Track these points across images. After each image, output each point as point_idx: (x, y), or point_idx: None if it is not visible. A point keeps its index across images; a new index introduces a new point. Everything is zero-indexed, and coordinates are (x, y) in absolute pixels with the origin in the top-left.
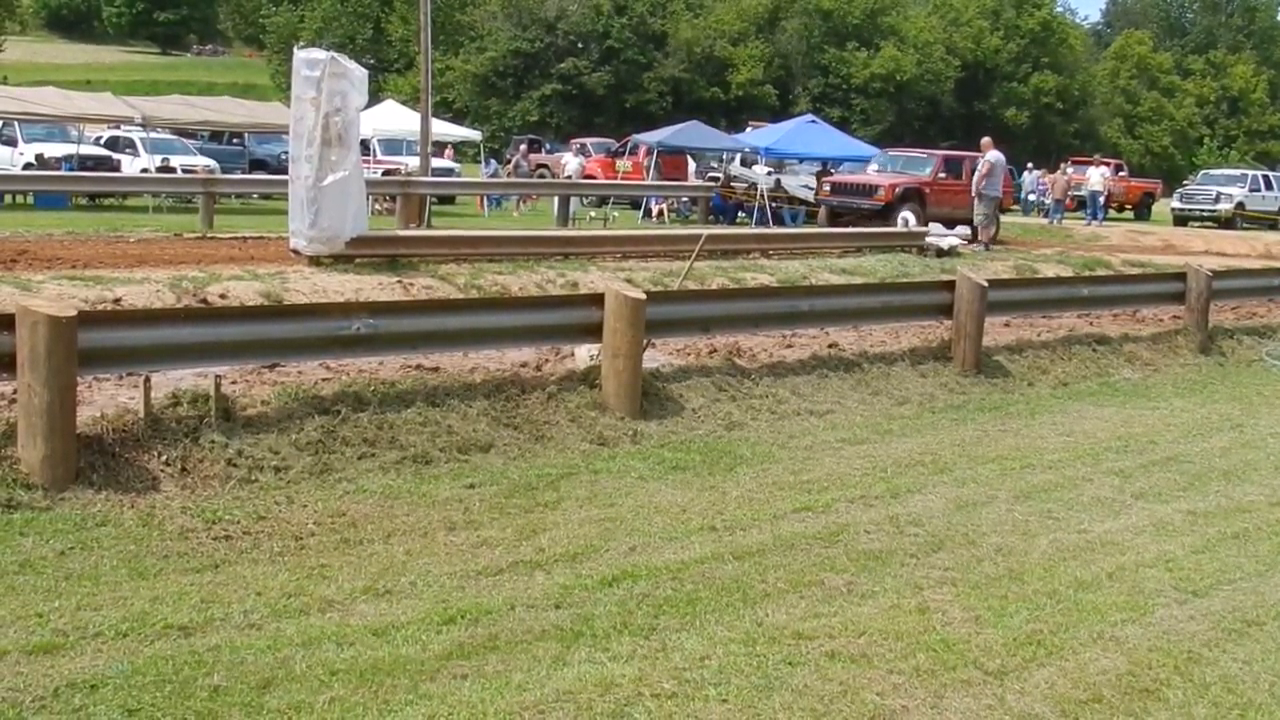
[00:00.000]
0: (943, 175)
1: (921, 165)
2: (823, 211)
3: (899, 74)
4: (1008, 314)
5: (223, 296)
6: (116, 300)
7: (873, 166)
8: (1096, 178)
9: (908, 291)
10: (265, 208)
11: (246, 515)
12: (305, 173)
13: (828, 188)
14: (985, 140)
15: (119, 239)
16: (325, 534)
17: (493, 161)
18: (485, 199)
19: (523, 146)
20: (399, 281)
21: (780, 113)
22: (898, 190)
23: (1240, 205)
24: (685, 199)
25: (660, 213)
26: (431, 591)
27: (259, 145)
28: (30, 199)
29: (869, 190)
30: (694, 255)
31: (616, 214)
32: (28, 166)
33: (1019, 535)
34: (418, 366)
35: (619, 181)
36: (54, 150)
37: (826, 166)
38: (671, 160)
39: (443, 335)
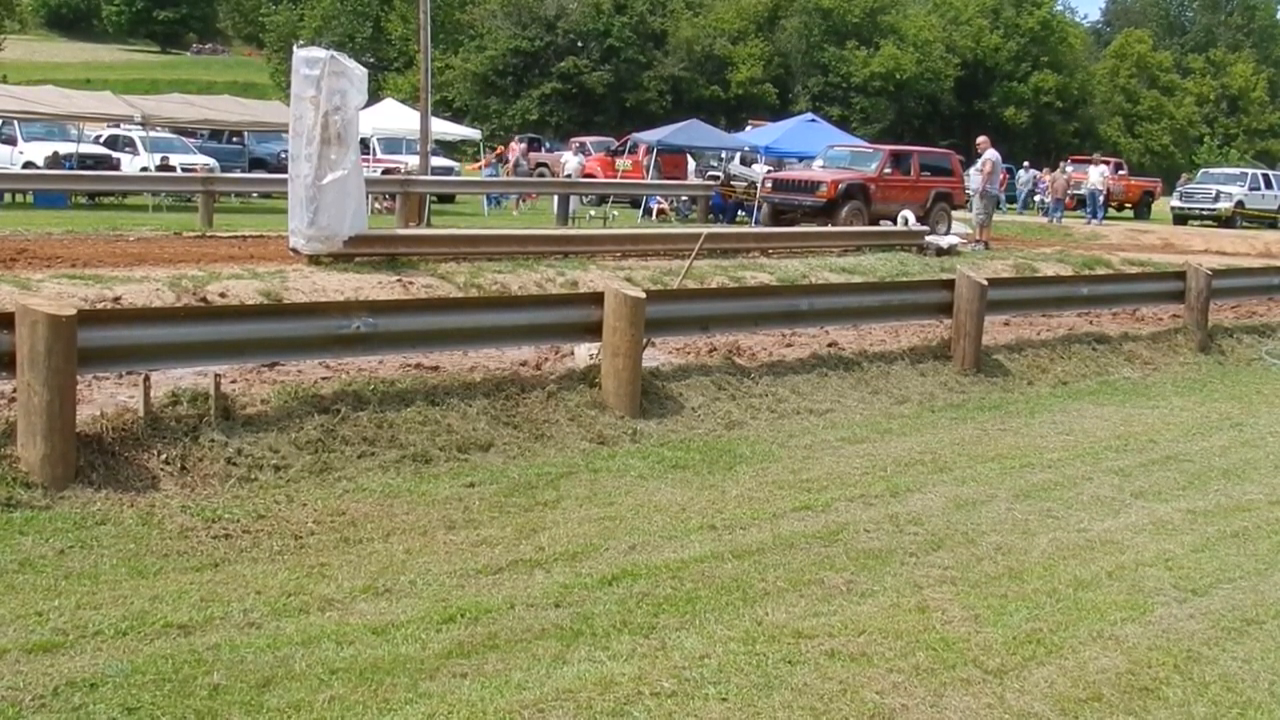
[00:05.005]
0: (889, 171)
1: (867, 161)
2: (765, 209)
3: (899, 73)
4: (1007, 313)
5: (222, 295)
6: (116, 299)
7: (818, 162)
8: (1096, 176)
9: (907, 290)
10: (265, 206)
11: (246, 514)
12: (304, 171)
13: (770, 185)
14: (982, 139)
15: (118, 238)
16: (325, 533)
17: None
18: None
19: (522, 145)
20: (398, 280)
21: (780, 111)
22: (841, 187)
23: (1240, 204)
24: (685, 198)
25: (660, 211)
26: (431, 590)
27: (258, 144)
28: (29, 197)
29: (811, 186)
30: (693, 254)
31: (616, 213)
32: (27, 165)
33: (1019, 534)
34: (417, 365)
35: (618, 180)
36: (62, 149)
37: None
38: (671, 159)
39: (442, 334)
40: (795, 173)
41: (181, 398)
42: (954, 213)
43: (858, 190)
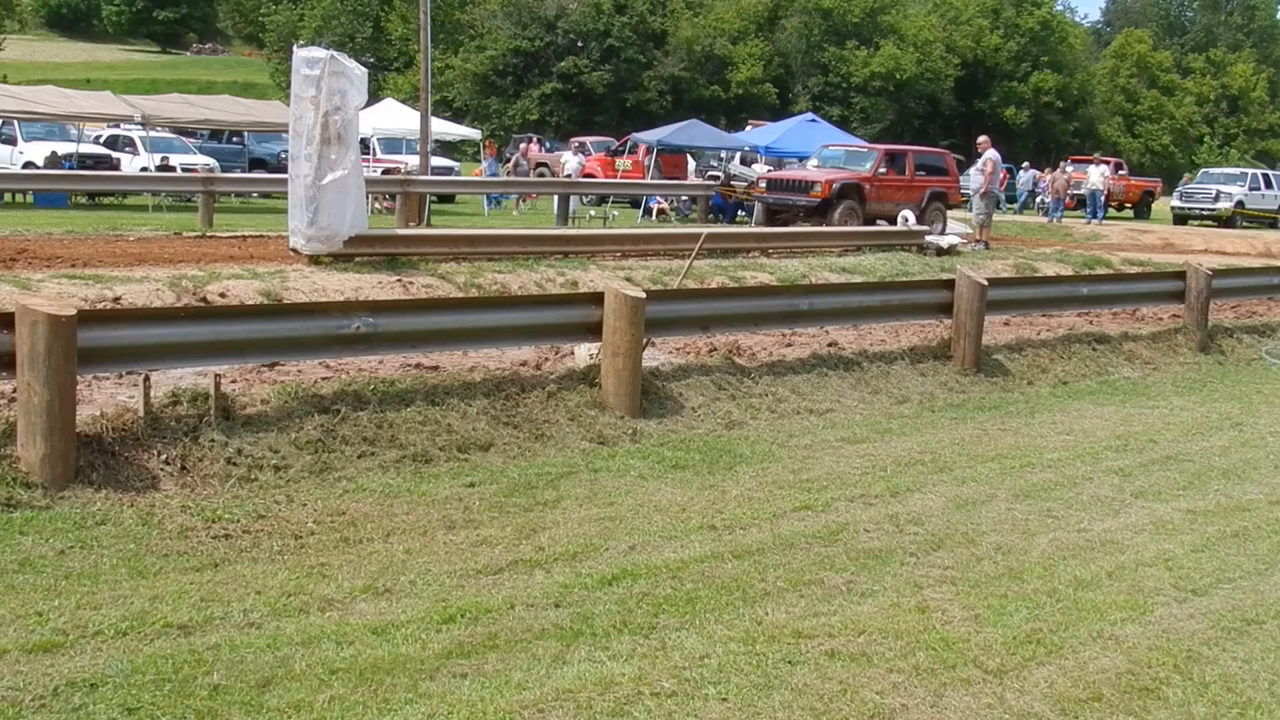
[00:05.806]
0: (883, 171)
1: (862, 160)
2: (759, 209)
3: (899, 72)
4: (1007, 312)
5: (222, 295)
6: (116, 299)
7: (813, 162)
8: (1096, 176)
9: (907, 290)
10: (265, 206)
11: (246, 514)
12: (304, 171)
13: (764, 184)
14: (982, 139)
15: (118, 238)
16: (325, 533)
17: (493, 162)
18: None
19: (523, 145)
20: (398, 280)
21: (780, 111)
22: (835, 186)
23: (1240, 204)
24: (685, 198)
25: (660, 211)
26: (431, 590)
27: (258, 144)
28: (29, 197)
29: (805, 186)
30: (693, 254)
31: (616, 213)
32: (27, 165)
33: (1019, 534)
34: (417, 365)
35: (618, 180)
36: (62, 149)
37: None
38: (671, 159)
39: (442, 334)
40: (789, 172)
41: (181, 398)
42: (954, 212)
43: (852, 190)
